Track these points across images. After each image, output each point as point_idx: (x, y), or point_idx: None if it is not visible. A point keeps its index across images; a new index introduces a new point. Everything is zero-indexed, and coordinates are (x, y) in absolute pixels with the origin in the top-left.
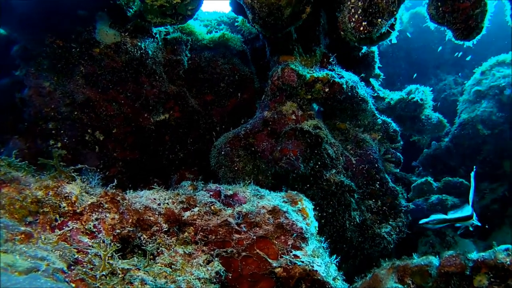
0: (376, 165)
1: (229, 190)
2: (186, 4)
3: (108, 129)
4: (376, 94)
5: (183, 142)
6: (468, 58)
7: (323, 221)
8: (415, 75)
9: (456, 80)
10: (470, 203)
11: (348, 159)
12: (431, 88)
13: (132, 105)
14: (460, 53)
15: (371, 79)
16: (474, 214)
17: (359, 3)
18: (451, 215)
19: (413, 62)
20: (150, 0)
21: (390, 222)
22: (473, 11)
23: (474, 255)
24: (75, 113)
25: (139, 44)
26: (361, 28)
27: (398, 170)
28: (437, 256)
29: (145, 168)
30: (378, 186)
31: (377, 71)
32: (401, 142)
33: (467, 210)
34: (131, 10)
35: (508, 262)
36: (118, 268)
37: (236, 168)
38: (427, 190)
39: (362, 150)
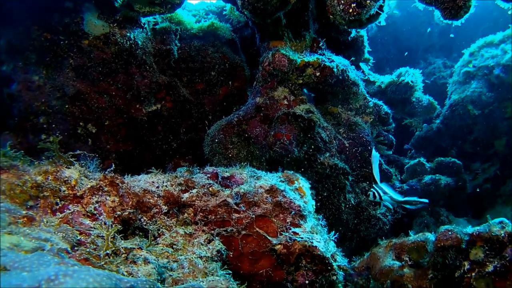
0: (369, 147)
1: (226, 172)
2: None
3: (100, 121)
4: (366, 77)
5: (176, 132)
6: (452, 35)
7: (318, 204)
8: (406, 53)
9: (445, 63)
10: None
11: (341, 143)
12: (421, 71)
13: (124, 97)
14: (452, 35)
15: (361, 64)
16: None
17: None
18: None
19: (401, 46)
20: None
21: (386, 203)
22: None
23: (469, 229)
24: (66, 106)
25: (128, 34)
26: (351, 10)
27: (390, 153)
28: (433, 233)
29: (139, 159)
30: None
31: (366, 55)
32: (393, 125)
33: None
34: (118, 0)
35: (503, 234)
36: (121, 247)
37: (230, 155)
38: (420, 171)
39: (354, 133)
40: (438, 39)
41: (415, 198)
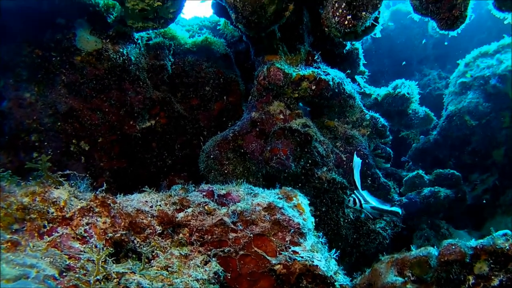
0: (367, 161)
1: (222, 189)
2: (167, 7)
3: (93, 138)
4: (362, 90)
5: (170, 148)
6: (446, 43)
7: (317, 219)
8: (403, 62)
9: (440, 74)
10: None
11: (339, 156)
12: (417, 83)
13: (117, 113)
14: (446, 43)
15: (356, 76)
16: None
17: None
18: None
19: (396, 58)
20: (131, 4)
21: (384, 217)
22: (456, 0)
23: (473, 242)
24: (59, 123)
25: (121, 50)
26: (346, 22)
27: (388, 165)
28: (435, 247)
29: (134, 176)
30: (370, 182)
31: (362, 68)
32: (390, 137)
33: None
34: (111, 16)
35: (507, 247)
36: (113, 272)
37: (226, 171)
38: (419, 183)
39: (352, 146)
40: (432, 50)
41: (397, 209)
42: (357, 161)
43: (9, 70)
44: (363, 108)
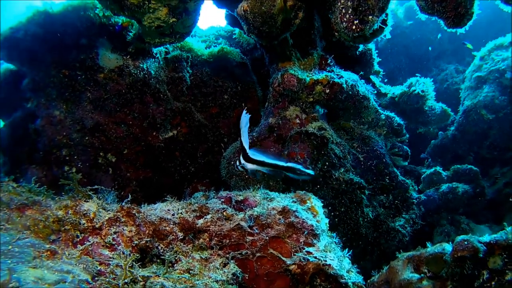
0: (384, 160)
1: (240, 195)
2: (182, 21)
3: (119, 150)
4: (377, 90)
5: (193, 156)
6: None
7: (336, 220)
8: (430, 48)
9: (457, 68)
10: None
11: (356, 157)
12: (432, 79)
13: (140, 125)
14: (468, 45)
15: (371, 76)
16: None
17: (349, 2)
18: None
19: (412, 55)
20: (147, 22)
21: (403, 215)
22: None
23: (486, 238)
24: (86, 138)
25: (141, 65)
26: (354, 27)
27: (406, 163)
28: (450, 243)
29: (159, 185)
30: (388, 181)
31: (376, 67)
32: (407, 135)
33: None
34: (130, 33)
35: None
36: (139, 276)
37: (246, 176)
38: (437, 180)
39: (368, 146)
40: (448, 45)
41: (299, 167)
42: (244, 117)
43: (40, 90)
44: (378, 108)
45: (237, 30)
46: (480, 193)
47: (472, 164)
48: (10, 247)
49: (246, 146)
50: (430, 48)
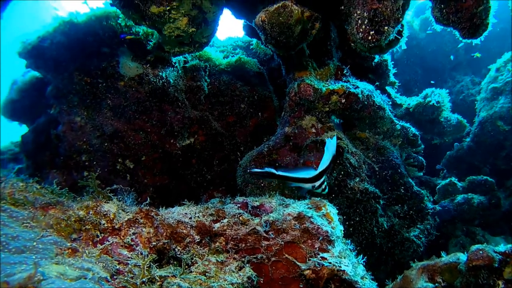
0: (399, 170)
1: (256, 201)
2: (201, 32)
3: (137, 157)
4: (392, 101)
5: (209, 164)
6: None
7: (351, 229)
8: (452, 56)
9: (473, 80)
10: (320, 168)
11: (371, 167)
12: (448, 91)
13: (158, 133)
14: (476, 54)
15: (387, 87)
16: (319, 181)
17: (365, 13)
18: (287, 173)
19: (428, 66)
20: (167, 31)
21: (418, 226)
22: (476, 9)
23: (501, 248)
24: (106, 144)
25: (161, 74)
26: (369, 38)
27: (421, 174)
28: (465, 253)
29: (175, 191)
30: (403, 191)
31: (392, 78)
32: (422, 146)
33: (308, 173)
34: (150, 42)
35: None
36: (157, 275)
37: (262, 185)
38: (452, 190)
39: (383, 156)
40: (464, 56)
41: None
42: (331, 143)
43: (63, 97)
44: (394, 118)
45: (254, 41)
46: (495, 204)
47: (488, 175)
48: (34, 243)
49: (320, 168)
50: (452, 57)
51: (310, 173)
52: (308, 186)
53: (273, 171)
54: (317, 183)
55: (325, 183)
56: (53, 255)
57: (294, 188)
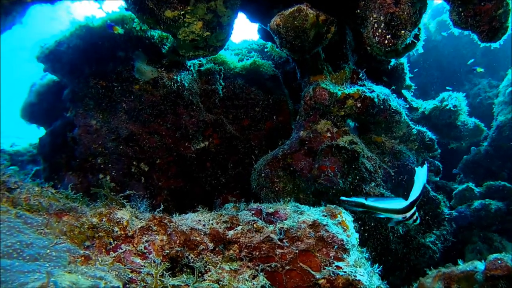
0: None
1: (270, 208)
2: (216, 36)
3: (152, 160)
4: (408, 105)
5: (224, 168)
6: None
7: (366, 234)
8: (472, 60)
9: (490, 83)
10: (411, 198)
11: (387, 172)
12: (465, 94)
13: (173, 136)
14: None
15: (403, 91)
16: (410, 212)
17: (381, 17)
18: (377, 203)
19: (445, 69)
20: (182, 36)
21: (434, 231)
22: (495, 12)
23: None
24: (121, 147)
25: (175, 77)
26: (386, 42)
27: (438, 179)
28: (482, 261)
29: (190, 194)
30: None
31: (408, 82)
32: (439, 150)
33: (399, 204)
34: (165, 46)
35: None
36: (169, 285)
37: (277, 189)
38: (469, 196)
39: (399, 161)
40: (482, 58)
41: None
42: (423, 171)
43: (79, 101)
44: (410, 122)
45: (269, 44)
46: None
47: (506, 180)
48: (48, 251)
49: (411, 198)
50: (472, 60)
51: (401, 204)
52: (398, 217)
53: (363, 201)
54: (408, 214)
55: (417, 213)
56: (66, 263)
57: (384, 219)
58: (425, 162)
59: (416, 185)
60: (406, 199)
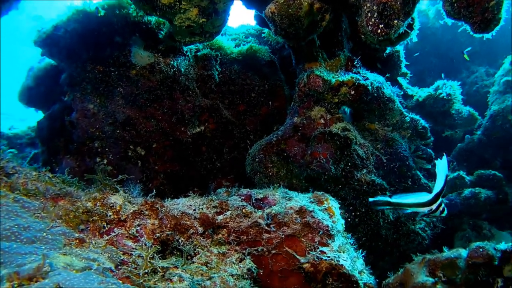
0: (407, 162)
1: (260, 194)
2: (212, 22)
3: (148, 144)
4: (403, 92)
5: (219, 152)
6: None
7: (357, 220)
8: (469, 48)
9: (487, 71)
10: (436, 190)
11: (379, 159)
12: (460, 82)
13: (169, 120)
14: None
15: (398, 78)
16: (435, 204)
17: (374, 7)
18: (402, 199)
19: (443, 56)
20: (178, 22)
21: (424, 218)
22: (488, 4)
23: (502, 246)
24: (118, 131)
25: (172, 63)
26: (379, 31)
27: (430, 166)
28: (467, 249)
29: (185, 178)
30: (410, 183)
31: (404, 69)
32: (432, 138)
33: (424, 197)
34: (162, 32)
35: None
36: (159, 266)
37: (270, 174)
38: (460, 184)
39: (392, 148)
40: (480, 46)
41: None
42: (443, 163)
43: (77, 85)
44: (403, 110)
45: (266, 30)
46: (503, 199)
47: (498, 169)
48: (44, 234)
49: (436, 190)
50: (469, 48)
51: (426, 197)
52: (424, 210)
53: (388, 199)
54: (434, 206)
55: (443, 205)
56: (61, 245)
57: (410, 213)
58: (444, 154)
59: (438, 177)
60: (398, 186)
